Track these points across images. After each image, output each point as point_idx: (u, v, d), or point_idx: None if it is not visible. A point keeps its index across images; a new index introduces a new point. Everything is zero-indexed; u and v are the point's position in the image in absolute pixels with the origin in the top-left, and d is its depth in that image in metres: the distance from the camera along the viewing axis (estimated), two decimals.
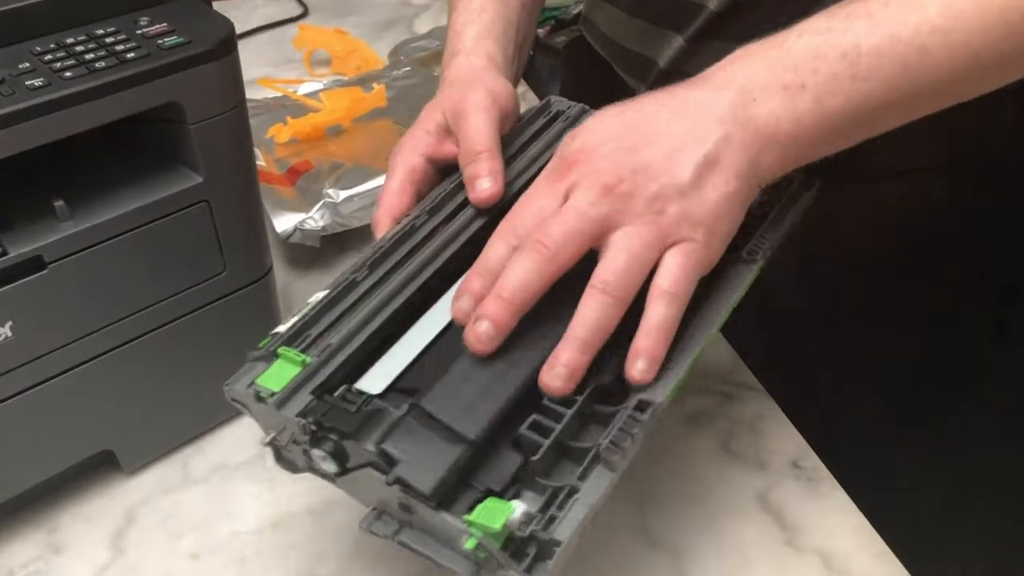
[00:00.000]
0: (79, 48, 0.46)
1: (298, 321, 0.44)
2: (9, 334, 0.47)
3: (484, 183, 0.49)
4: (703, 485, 0.55)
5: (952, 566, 0.77)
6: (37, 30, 0.47)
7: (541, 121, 0.57)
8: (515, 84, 0.61)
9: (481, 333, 0.41)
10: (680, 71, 0.63)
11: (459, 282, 0.45)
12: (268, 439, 0.42)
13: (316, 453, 0.40)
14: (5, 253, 0.45)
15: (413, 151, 0.53)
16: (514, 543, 0.37)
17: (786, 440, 0.58)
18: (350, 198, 0.72)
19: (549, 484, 0.39)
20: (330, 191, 0.73)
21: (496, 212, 0.49)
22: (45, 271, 0.47)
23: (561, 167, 0.44)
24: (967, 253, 0.66)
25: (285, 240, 0.71)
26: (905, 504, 0.68)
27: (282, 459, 0.44)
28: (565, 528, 0.37)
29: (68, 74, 0.44)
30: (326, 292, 0.46)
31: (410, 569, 0.52)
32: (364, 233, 0.74)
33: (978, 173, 0.64)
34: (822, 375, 0.68)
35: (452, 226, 0.49)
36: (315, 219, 0.71)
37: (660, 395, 0.41)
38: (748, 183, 0.44)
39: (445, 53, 0.59)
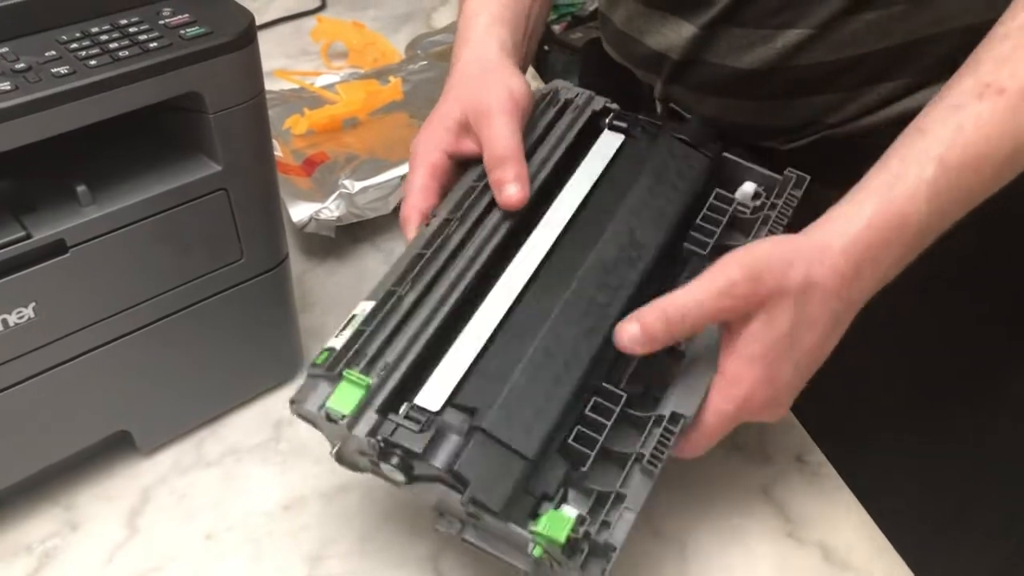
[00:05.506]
0: (103, 37, 0.47)
1: (352, 337, 0.46)
2: (32, 315, 0.48)
3: (511, 188, 0.51)
4: (708, 477, 0.56)
5: (957, 569, 0.77)
6: (63, 19, 0.48)
7: (551, 112, 0.58)
8: (524, 71, 0.61)
9: None
10: (697, 60, 0.63)
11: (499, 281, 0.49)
12: (334, 450, 0.47)
13: (385, 467, 0.44)
14: (29, 236, 0.46)
15: (435, 148, 0.55)
16: (570, 543, 0.42)
17: (791, 435, 0.59)
18: (365, 189, 0.73)
19: (593, 487, 0.44)
20: (346, 182, 0.74)
21: (522, 213, 0.52)
22: (67, 254, 0.48)
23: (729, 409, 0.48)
24: (987, 253, 0.66)
25: (301, 229, 0.72)
26: (911, 504, 0.69)
27: (344, 461, 0.48)
28: (619, 533, 0.42)
29: (92, 62, 0.45)
30: (372, 304, 0.47)
31: (418, 552, 0.53)
32: (379, 224, 0.75)
33: None
34: (829, 372, 0.68)
35: (482, 231, 0.51)
36: (330, 209, 0.72)
37: (690, 409, 0.46)
38: (836, 331, 0.50)
39: (456, 38, 0.60)
